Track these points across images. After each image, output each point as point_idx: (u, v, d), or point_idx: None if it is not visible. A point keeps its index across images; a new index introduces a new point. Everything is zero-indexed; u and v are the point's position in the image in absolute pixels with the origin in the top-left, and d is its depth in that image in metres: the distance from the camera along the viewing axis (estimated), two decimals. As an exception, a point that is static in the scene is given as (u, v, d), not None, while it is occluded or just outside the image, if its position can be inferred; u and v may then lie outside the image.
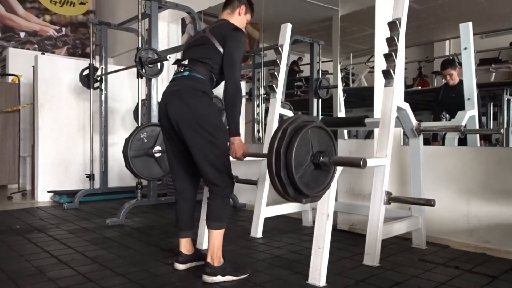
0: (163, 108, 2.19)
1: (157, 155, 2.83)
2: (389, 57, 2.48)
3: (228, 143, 2.18)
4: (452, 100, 3.90)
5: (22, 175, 5.67)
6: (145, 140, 2.79)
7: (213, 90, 2.25)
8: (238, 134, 2.18)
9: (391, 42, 2.48)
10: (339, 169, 2.12)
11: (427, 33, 6.50)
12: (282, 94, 3.36)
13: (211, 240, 2.13)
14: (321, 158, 1.74)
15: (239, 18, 2.37)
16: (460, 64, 3.98)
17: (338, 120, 3.64)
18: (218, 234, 2.13)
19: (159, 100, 4.44)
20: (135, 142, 2.74)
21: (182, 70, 2.23)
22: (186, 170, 2.29)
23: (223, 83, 2.28)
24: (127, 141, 2.72)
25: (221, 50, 2.18)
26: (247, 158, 3.18)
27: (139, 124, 4.20)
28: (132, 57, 3.88)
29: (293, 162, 1.66)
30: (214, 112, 2.15)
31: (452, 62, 4.04)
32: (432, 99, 4.91)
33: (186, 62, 2.23)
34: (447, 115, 4.10)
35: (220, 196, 2.14)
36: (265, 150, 3.18)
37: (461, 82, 3.90)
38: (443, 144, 3.98)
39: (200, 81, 2.16)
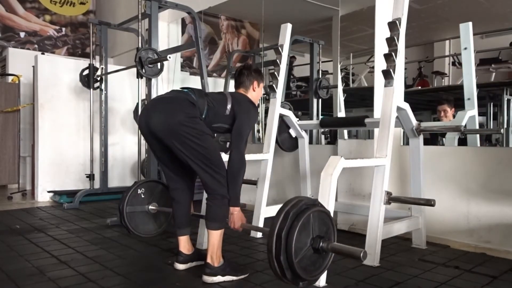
0: (143, 120, 2.14)
1: (152, 212, 2.87)
2: (389, 57, 2.48)
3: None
4: None
5: (22, 175, 5.67)
6: (142, 196, 2.82)
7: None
8: (238, 205, 2.24)
9: (391, 42, 2.48)
10: (340, 162, 2.12)
11: (427, 33, 6.50)
12: (282, 94, 3.36)
13: (210, 240, 2.13)
14: (320, 244, 1.75)
15: (254, 93, 2.44)
16: (460, 64, 3.97)
17: (338, 120, 3.64)
18: (217, 235, 2.13)
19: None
20: (132, 198, 2.77)
21: (179, 88, 2.26)
22: (175, 171, 2.28)
23: None
24: (124, 196, 2.74)
25: (229, 107, 2.23)
26: (247, 159, 3.19)
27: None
28: (132, 57, 3.88)
29: (293, 246, 1.67)
30: (196, 119, 2.12)
31: (450, 100, 4.02)
32: (432, 99, 4.92)
33: (190, 87, 2.27)
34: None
35: (217, 196, 2.14)
36: (265, 150, 3.19)
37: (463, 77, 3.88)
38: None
39: (191, 98, 2.14)
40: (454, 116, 3.91)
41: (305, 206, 1.77)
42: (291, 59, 6.24)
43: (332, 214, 2.12)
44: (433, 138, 4.06)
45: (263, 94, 5.23)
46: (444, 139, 3.90)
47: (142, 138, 2.70)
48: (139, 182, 2.87)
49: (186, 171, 2.28)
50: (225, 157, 2.26)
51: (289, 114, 3.36)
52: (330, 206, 2.13)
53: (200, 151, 2.07)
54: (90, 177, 4.75)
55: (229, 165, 2.17)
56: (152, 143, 2.21)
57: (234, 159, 2.16)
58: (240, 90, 2.42)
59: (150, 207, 2.86)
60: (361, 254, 1.67)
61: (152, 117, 2.10)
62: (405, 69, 4.39)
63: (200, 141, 2.07)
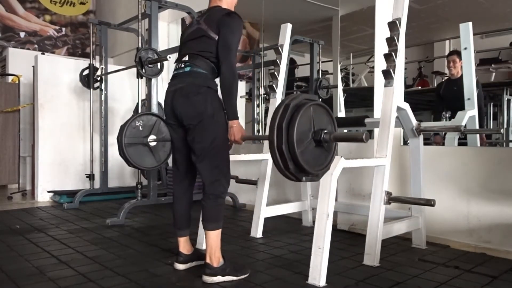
0: (169, 107, 2.20)
1: (151, 144, 2.80)
2: (389, 57, 2.48)
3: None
4: (453, 93, 3.90)
5: (22, 175, 5.67)
6: (141, 129, 2.77)
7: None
8: (237, 118, 2.15)
9: (391, 42, 2.48)
10: (340, 162, 2.12)
11: (427, 33, 6.51)
12: (282, 94, 3.36)
13: (208, 241, 2.13)
14: (322, 135, 1.74)
15: (228, 0, 2.31)
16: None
17: (338, 120, 3.62)
18: (215, 235, 2.13)
19: (160, 100, 4.41)
20: (130, 130, 2.71)
21: (182, 66, 2.20)
22: (187, 169, 2.30)
23: None
24: (122, 128, 2.69)
25: (217, 37, 2.14)
26: (247, 159, 3.19)
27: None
28: (132, 57, 3.88)
29: (295, 136, 1.65)
30: (219, 108, 2.14)
31: (459, 52, 4.09)
32: (432, 99, 4.92)
33: (186, 58, 2.20)
34: (447, 115, 4.11)
35: (211, 196, 2.13)
36: (265, 150, 3.19)
37: (462, 76, 3.89)
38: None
39: (202, 75, 2.14)
40: (462, 68, 3.96)
41: (304, 100, 1.76)
42: (292, 61, 6.23)
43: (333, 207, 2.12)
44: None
45: (263, 94, 5.24)
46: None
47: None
48: (136, 115, 2.83)
49: (193, 169, 2.29)
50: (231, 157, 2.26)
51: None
52: (330, 206, 2.13)
53: (213, 141, 2.09)
54: (90, 177, 4.75)
55: (221, 80, 2.12)
56: (176, 136, 2.24)
57: (225, 73, 2.10)
58: (214, 0, 2.29)
59: (149, 139, 2.82)
60: (363, 136, 1.67)
61: (177, 110, 2.14)
62: (405, 69, 4.39)
63: (215, 133, 2.10)
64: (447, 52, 5.95)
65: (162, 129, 2.91)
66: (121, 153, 2.67)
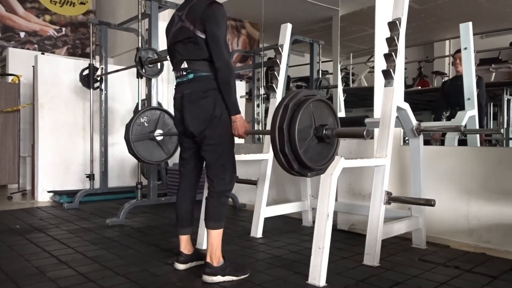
0: (179, 113, 2.21)
1: (158, 138, 2.84)
2: (389, 57, 2.48)
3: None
4: (458, 88, 3.89)
5: (22, 175, 5.67)
6: (146, 124, 2.81)
7: None
8: (239, 112, 2.15)
9: (391, 42, 2.48)
10: (340, 162, 2.12)
11: (427, 33, 6.51)
12: (282, 94, 3.36)
13: (209, 240, 2.13)
14: (324, 131, 1.74)
15: None
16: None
17: (338, 120, 3.64)
18: (217, 234, 2.13)
19: (160, 99, 4.41)
20: (136, 127, 2.75)
21: (184, 73, 2.17)
22: (193, 169, 2.32)
23: None
24: (128, 126, 2.73)
25: (202, 35, 2.10)
26: (247, 159, 3.19)
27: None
28: (132, 57, 3.88)
29: (296, 137, 1.65)
30: (225, 108, 2.14)
31: None
32: (432, 99, 4.92)
33: (184, 65, 2.17)
34: (447, 114, 4.11)
35: (215, 195, 2.13)
36: (265, 150, 3.19)
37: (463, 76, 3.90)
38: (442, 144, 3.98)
39: (206, 78, 2.13)
40: None
41: (304, 97, 1.76)
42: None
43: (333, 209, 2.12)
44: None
45: (263, 94, 5.24)
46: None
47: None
48: (140, 111, 2.86)
49: (199, 169, 2.33)
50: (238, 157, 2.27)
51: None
52: (330, 206, 2.13)
53: (222, 142, 2.12)
54: (90, 177, 4.75)
55: (218, 76, 2.09)
56: (185, 140, 2.26)
57: (220, 67, 2.07)
58: None
59: (155, 134, 2.85)
60: (365, 132, 1.67)
61: (186, 117, 2.15)
62: (405, 69, 4.39)
63: (224, 134, 2.12)
64: (447, 52, 5.96)
65: (167, 121, 2.98)
66: (130, 150, 2.71)
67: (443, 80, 5.68)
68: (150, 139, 2.83)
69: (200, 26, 2.09)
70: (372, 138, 3.02)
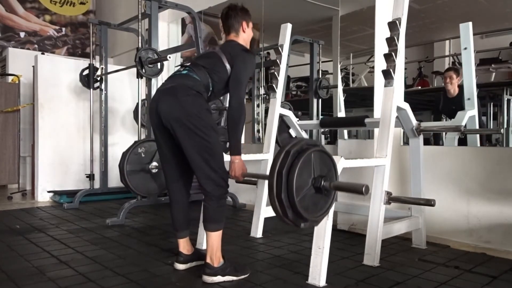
0: (154, 105, 2.15)
1: (153, 171, 2.83)
2: (389, 57, 2.48)
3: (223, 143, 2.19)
4: (453, 112, 3.86)
5: (22, 175, 5.67)
6: (143, 155, 2.79)
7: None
8: (239, 154, 2.21)
9: (391, 42, 2.48)
10: (340, 162, 2.12)
11: (427, 33, 6.50)
12: (282, 94, 3.36)
13: (209, 242, 2.13)
14: (322, 182, 1.73)
15: (245, 35, 2.39)
16: (461, 65, 3.97)
17: (338, 120, 3.64)
18: (216, 236, 2.12)
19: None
20: (132, 157, 2.73)
21: (181, 69, 2.23)
22: (178, 170, 2.25)
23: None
24: (124, 154, 2.71)
25: (228, 66, 2.20)
26: (247, 159, 3.18)
27: (139, 124, 4.20)
28: (132, 57, 3.88)
29: (294, 184, 1.65)
30: (206, 111, 2.12)
31: (456, 68, 4.07)
32: (432, 99, 4.91)
33: (188, 64, 2.24)
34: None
35: (214, 197, 2.11)
36: (265, 150, 3.19)
37: (460, 94, 3.88)
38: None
39: (196, 81, 2.15)
40: (459, 86, 3.94)
41: (306, 146, 1.76)
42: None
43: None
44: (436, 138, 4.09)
45: (263, 94, 5.24)
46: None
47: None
48: (138, 142, 2.84)
49: (187, 171, 2.25)
50: (226, 157, 2.26)
51: (289, 114, 3.36)
52: (330, 206, 2.12)
53: (205, 144, 2.06)
54: (90, 177, 4.75)
55: (229, 113, 2.16)
56: (159, 135, 2.20)
57: (234, 106, 2.14)
58: (231, 36, 2.37)
59: (151, 166, 2.84)
60: (363, 189, 1.67)
61: (161, 108, 2.10)
62: (405, 69, 4.39)
63: (206, 135, 2.05)
64: (447, 52, 5.96)
65: None
66: (123, 179, 2.68)
67: (435, 98, 5.64)
68: (145, 171, 2.82)
69: (229, 58, 2.20)
70: (372, 138, 3.02)
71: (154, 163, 2.81)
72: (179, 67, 2.31)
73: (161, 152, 2.26)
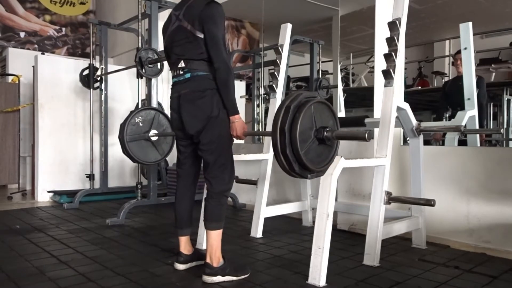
0: (177, 113, 2.19)
1: (153, 138, 2.83)
2: (389, 57, 2.48)
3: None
4: (458, 88, 3.89)
5: (22, 175, 5.67)
6: (141, 124, 2.80)
7: None
8: (237, 112, 2.14)
9: (391, 42, 2.48)
10: (340, 162, 2.12)
11: (427, 33, 6.51)
12: (282, 94, 3.36)
13: (209, 241, 2.13)
14: (324, 133, 1.75)
15: None
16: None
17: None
18: (216, 235, 2.13)
19: (160, 100, 4.41)
20: (131, 127, 2.74)
21: (181, 73, 2.17)
22: (192, 169, 2.32)
23: None
24: (122, 126, 2.71)
25: (201, 36, 2.08)
26: (247, 159, 3.18)
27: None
28: (132, 57, 3.88)
29: (298, 138, 1.66)
30: (223, 108, 2.13)
31: None
32: (432, 99, 4.92)
33: (182, 64, 2.16)
34: (447, 114, 4.11)
35: (216, 195, 2.13)
36: (265, 150, 3.19)
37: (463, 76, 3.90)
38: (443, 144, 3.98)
39: (204, 78, 2.12)
40: None
41: (305, 99, 1.77)
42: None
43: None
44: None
45: (263, 94, 5.24)
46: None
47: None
48: (135, 111, 2.85)
49: (198, 169, 2.31)
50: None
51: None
52: (330, 206, 2.13)
53: (223, 138, 2.11)
54: (90, 177, 4.75)
55: (216, 77, 2.07)
56: (181, 142, 2.27)
57: (219, 68, 2.05)
58: None
59: (150, 134, 2.84)
60: (366, 135, 1.68)
61: (184, 114, 2.14)
62: (405, 69, 4.39)
63: (223, 133, 2.11)
64: (447, 52, 5.96)
65: (162, 121, 2.97)
66: (124, 150, 2.69)
67: (444, 81, 5.68)
68: (145, 139, 2.82)
69: (199, 26, 2.08)
70: (372, 138, 3.02)
71: (153, 131, 2.82)
72: (173, 69, 2.23)
73: (180, 155, 2.32)
